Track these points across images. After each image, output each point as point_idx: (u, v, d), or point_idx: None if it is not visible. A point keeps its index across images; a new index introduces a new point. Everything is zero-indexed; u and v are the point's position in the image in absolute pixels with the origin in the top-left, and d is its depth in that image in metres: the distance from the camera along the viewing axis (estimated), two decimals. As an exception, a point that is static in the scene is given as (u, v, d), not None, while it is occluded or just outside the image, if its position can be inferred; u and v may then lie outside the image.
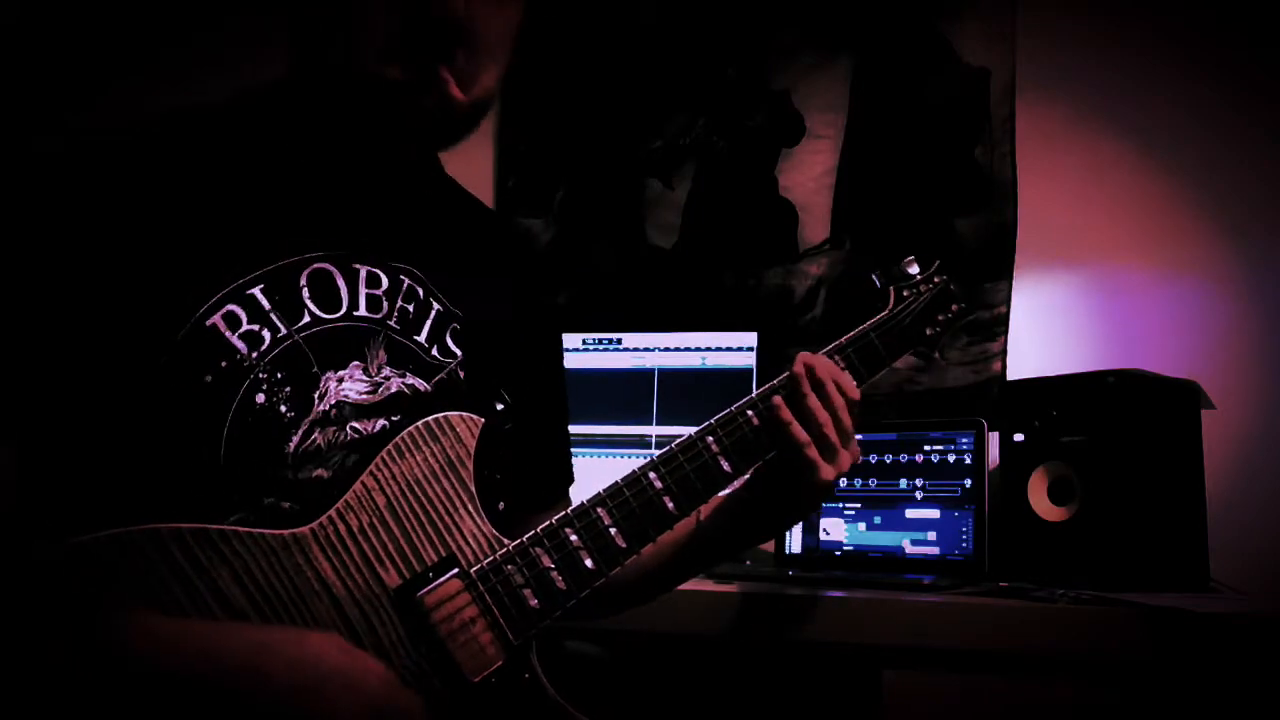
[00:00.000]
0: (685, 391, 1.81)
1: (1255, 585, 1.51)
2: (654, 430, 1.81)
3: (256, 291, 0.83)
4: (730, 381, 1.80)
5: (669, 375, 1.83)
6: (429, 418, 0.86)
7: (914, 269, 1.14)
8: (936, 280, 1.15)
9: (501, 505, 0.96)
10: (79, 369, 0.79)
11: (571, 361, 1.88)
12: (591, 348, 1.89)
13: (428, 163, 1.01)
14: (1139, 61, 1.84)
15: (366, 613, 0.81)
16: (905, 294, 1.13)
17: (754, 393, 1.01)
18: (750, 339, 1.81)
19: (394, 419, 0.87)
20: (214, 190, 0.85)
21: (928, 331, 1.13)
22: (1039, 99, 1.88)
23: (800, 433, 0.98)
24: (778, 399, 0.99)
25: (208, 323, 0.81)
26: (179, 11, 2.39)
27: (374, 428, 0.86)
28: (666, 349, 1.85)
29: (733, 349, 1.82)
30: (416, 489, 0.85)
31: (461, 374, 0.93)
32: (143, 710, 0.69)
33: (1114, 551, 1.44)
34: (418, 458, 0.85)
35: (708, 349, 1.83)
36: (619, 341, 1.88)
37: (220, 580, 0.76)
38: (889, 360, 1.09)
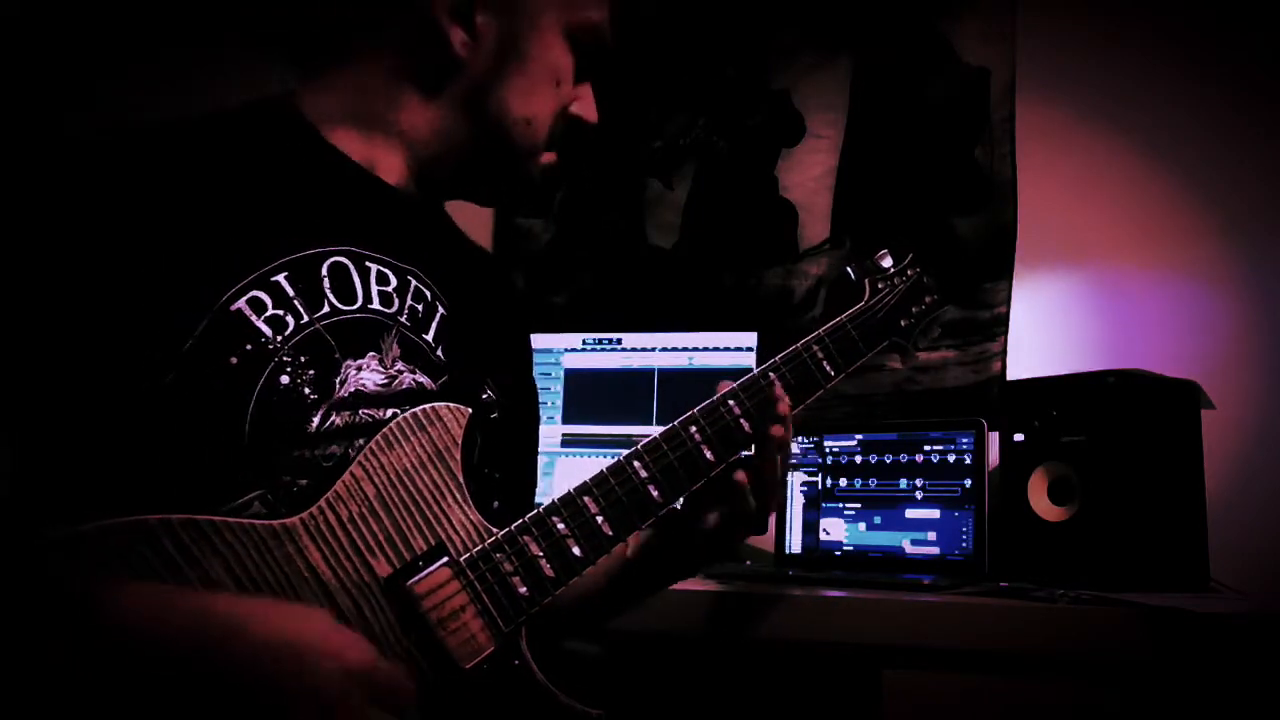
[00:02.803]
0: (685, 392, 1.81)
1: (1255, 585, 1.51)
2: (654, 430, 1.80)
3: (281, 279, 0.86)
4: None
5: (669, 375, 1.83)
6: (416, 409, 0.88)
7: (887, 262, 1.16)
8: (910, 273, 1.17)
9: (496, 504, 0.98)
10: (106, 354, 0.81)
11: (571, 361, 1.88)
12: (591, 348, 1.89)
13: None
14: (1139, 61, 1.83)
15: (357, 601, 0.81)
16: (880, 286, 1.14)
17: (736, 383, 1.02)
18: (750, 339, 1.81)
19: (404, 408, 0.89)
20: (240, 189, 0.88)
21: (902, 323, 1.14)
22: (1039, 99, 1.88)
23: (751, 500, 1.00)
24: (740, 474, 1.00)
25: (232, 307, 0.83)
26: (179, 13, 2.39)
27: (385, 415, 0.88)
28: (666, 349, 1.85)
29: (726, 349, 1.82)
30: (405, 479, 0.86)
31: (456, 376, 0.95)
32: (122, 674, 0.70)
33: (1114, 551, 1.44)
34: (406, 448, 0.86)
35: (695, 349, 1.84)
36: (619, 341, 1.88)
37: (211, 571, 0.77)
38: (865, 351, 1.11)
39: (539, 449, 1.19)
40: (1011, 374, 1.85)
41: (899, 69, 1.98)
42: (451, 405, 0.89)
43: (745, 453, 1.02)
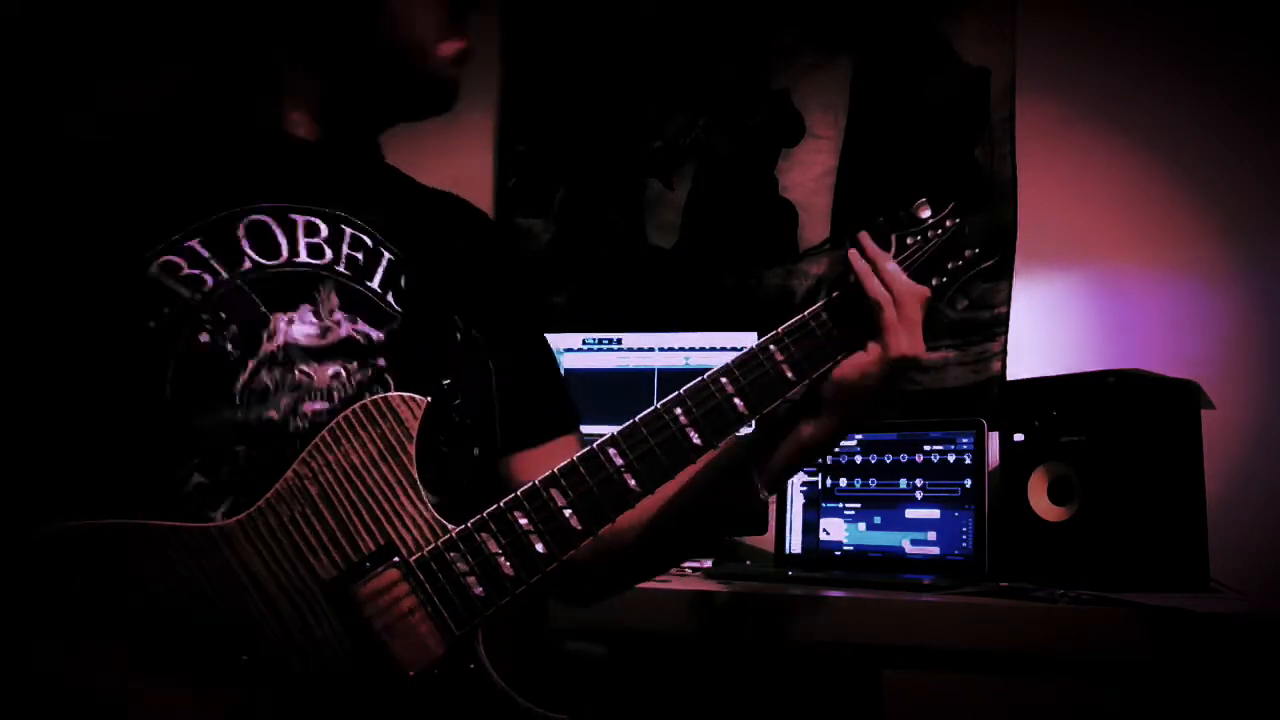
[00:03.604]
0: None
1: (1255, 585, 1.51)
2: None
3: (195, 243, 0.85)
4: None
5: (669, 375, 1.83)
6: (366, 400, 0.84)
7: (925, 213, 0.99)
8: (949, 224, 0.99)
9: (477, 450, 0.94)
10: (23, 334, 0.81)
11: (571, 361, 1.88)
12: (591, 348, 1.89)
13: (366, 141, 1.02)
14: (1139, 61, 1.83)
15: (299, 607, 0.79)
16: (909, 241, 0.98)
17: (729, 360, 0.94)
18: (750, 339, 1.81)
19: (347, 365, 0.86)
20: (153, 161, 0.89)
21: (934, 281, 0.98)
22: (1039, 99, 1.88)
23: (879, 288, 0.91)
24: (854, 251, 0.94)
25: (148, 272, 0.82)
26: (179, 13, 2.39)
27: (325, 373, 0.85)
28: (666, 349, 1.85)
29: (725, 349, 1.82)
30: (354, 476, 0.82)
31: (412, 321, 0.92)
32: None
33: (1114, 551, 1.44)
34: (355, 444, 0.82)
35: (695, 349, 1.83)
36: (619, 341, 1.88)
37: (145, 578, 0.76)
38: None
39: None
40: (1011, 374, 1.85)
41: (899, 69, 1.98)
42: (406, 395, 0.84)
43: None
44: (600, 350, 1.88)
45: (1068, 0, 1.89)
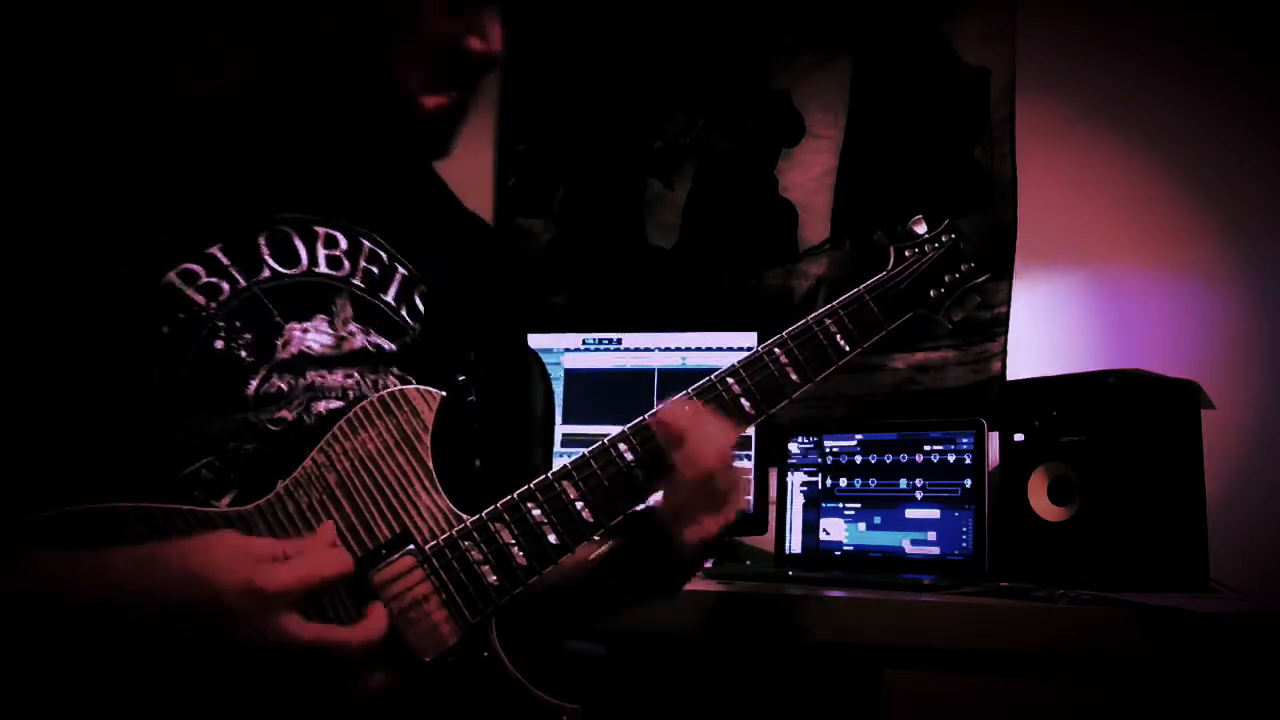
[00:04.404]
0: (685, 391, 1.81)
1: (1255, 585, 1.51)
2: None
3: (215, 250, 0.85)
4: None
5: (669, 375, 1.83)
6: (384, 391, 0.85)
7: (921, 228, 1.07)
8: (945, 239, 1.07)
9: (485, 452, 0.95)
10: (35, 332, 0.81)
11: (571, 361, 1.88)
12: (591, 348, 1.89)
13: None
14: (1139, 61, 1.83)
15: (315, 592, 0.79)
16: (907, 254, 1.06)
17: (735, 361, 0.97)
18: (750, 339, 1.81)
19: (359, 372, 0.87)
20: (185, 161, 0.88)
21: (931, 293, 1.06)
22: (1039, 99, 1.88)
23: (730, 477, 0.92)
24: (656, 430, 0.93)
25: (163, 280, 0.82)
26: (180, 14, 2.39)
27: (336, 380, 0.86)
28: (667, 349, 1.85)
29: (725, 349, 1.82)
30: (370, 464, 0.83)
31: (424, 337, 0.93)
32: (32, 640, 0.70)
33: (1114, 551, 1.44)
34: (371, 433, 0.84)
35: (691, 349, 1.84)
36: (619, 341, 1.88)
37: None
38: (885, 324, 1.03)
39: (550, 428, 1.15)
40: (1011, 374, 1.85)
41: (899, 69, 1.98)
42: (422, 388, 0.86)
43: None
44: (600, 350, 1.88)
45: (1068, 0, 1.89)
